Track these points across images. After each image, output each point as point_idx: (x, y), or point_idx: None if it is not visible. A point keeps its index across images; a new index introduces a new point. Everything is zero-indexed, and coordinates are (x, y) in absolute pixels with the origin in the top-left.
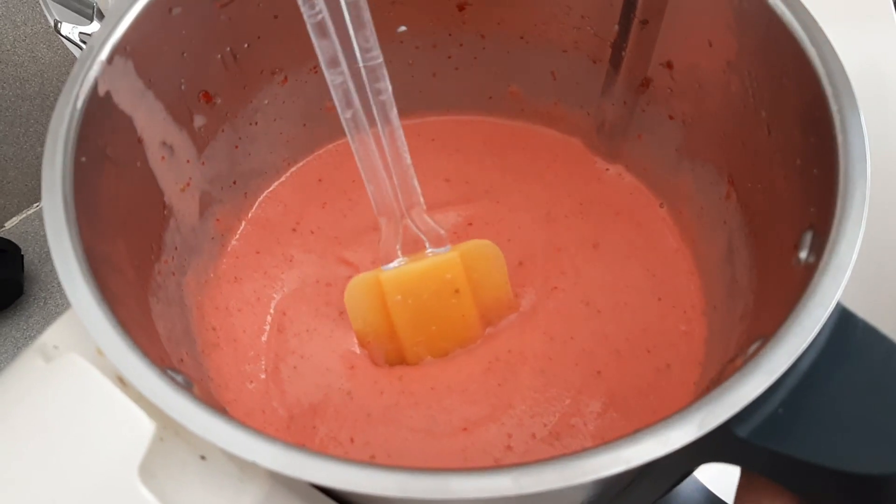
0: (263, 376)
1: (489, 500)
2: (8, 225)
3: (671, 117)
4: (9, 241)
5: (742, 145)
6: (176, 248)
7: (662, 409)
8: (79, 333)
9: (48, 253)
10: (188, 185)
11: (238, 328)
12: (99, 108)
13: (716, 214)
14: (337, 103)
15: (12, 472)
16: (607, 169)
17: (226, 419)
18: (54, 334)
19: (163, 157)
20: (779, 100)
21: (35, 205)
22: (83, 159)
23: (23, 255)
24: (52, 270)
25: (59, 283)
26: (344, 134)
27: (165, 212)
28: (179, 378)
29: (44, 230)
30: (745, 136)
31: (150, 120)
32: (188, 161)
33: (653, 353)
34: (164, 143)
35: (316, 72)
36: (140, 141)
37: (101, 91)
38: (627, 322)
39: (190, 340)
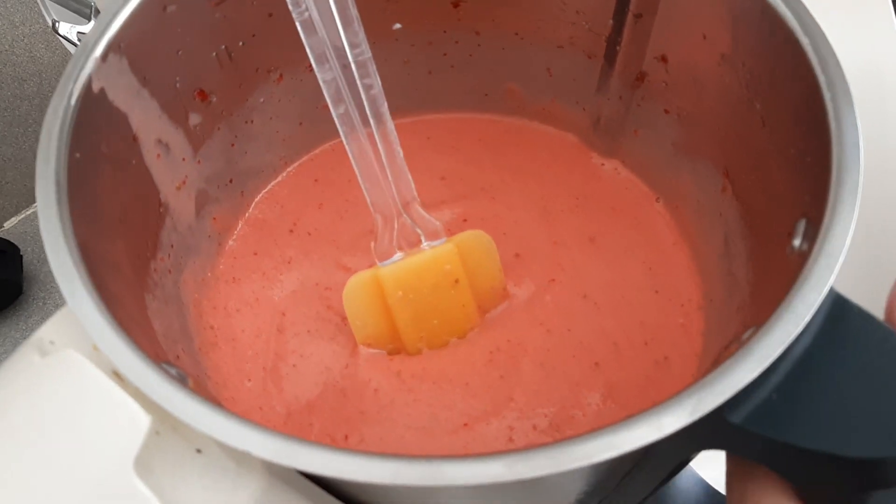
0: (262, 375)
1: (486, 487)
2: (7, 225)
3: (667, 111)
4: (8, 242)
5: (737, 137)
6: (172, 247)
7: (662, 400)
8: (75, 329)
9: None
10: (184, 183)
11: (237, 328)
12: (93, 105)
13: (712, 208)
14: (328, 99)
15: (8, 466)
16: (603, 164)
17: (218, 409)
18: (50, 330)
19: (158, 155)
20: (773, 91)
21: (34, 205)
22: (78, 155)
23: (22, 256)
24: (51, 270)
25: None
26: (337, 133)
27: (161, 210)
28: (173, 371)
29: None
30: (740, 128)
31: (145, 118)
32: (184, 159)
33: (650, 345)
34: (159, 141)
35: (311, 70)
36: (135, 139)
37: (96, 88)
38: (625, 315)
39: (187, 338)
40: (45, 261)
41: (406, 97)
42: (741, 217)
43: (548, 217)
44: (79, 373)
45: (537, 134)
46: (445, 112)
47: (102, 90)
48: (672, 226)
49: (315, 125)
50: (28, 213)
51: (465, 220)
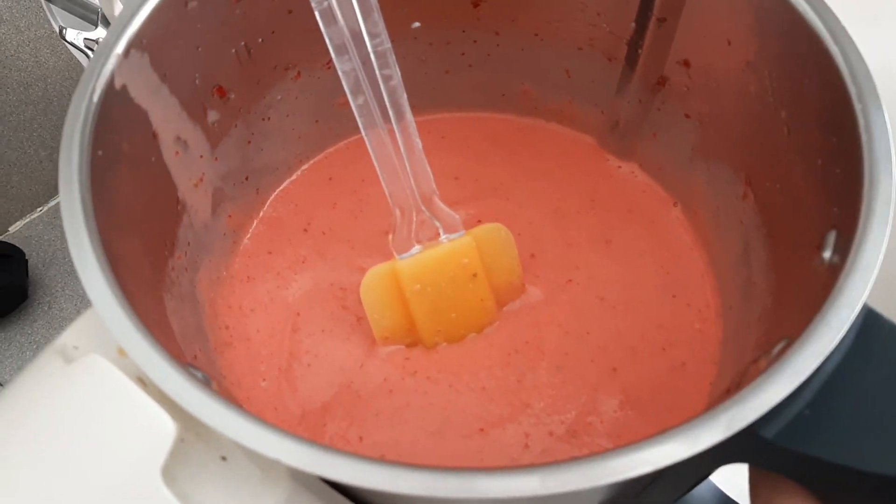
0: (276, 375)
1: (509, 500)
2: (12, 229)
3: (687, 116)
4: (13, 246)
5: (760, 145)
6: (189, 245)
7: (678, 408)
8: (99, 334)
9: (52, 257)
10: (201, 180)
11: (251, 327)
12: (115, 103)
13: (732, 215)
14: (347, 90)
15: (34, 473)
16: (620, 167)
17: (249, 416)
18: (74, 335)
19: (177, 153)
20: (799, 99)
21: (39, 209)
22: (100, 153)
23: (27, 260)
24: (57, 275)
25: (63, 288)
26: (354, 131)
27: (179, 207)
28: (199, 374)
29: (48, 234)
30: (764, 135)
31: (164, 114)
32: (201, 156)
33: (668, 350)
34: (178, 138)
35: (329, 68)
36: (155, 136)
37: (118, 85)
38: (642, 319)
39: (203, 338)
40: (50, 265)
41: (422, 96)
42: (762, 225)
43: (562, 218)
44: (104, 379)
45: (553, 135)
46: (461, 111)
47: (124, 87)
48: (689, 231)
49: (330, 123)
50: (33, 217)
51: (479, 221)
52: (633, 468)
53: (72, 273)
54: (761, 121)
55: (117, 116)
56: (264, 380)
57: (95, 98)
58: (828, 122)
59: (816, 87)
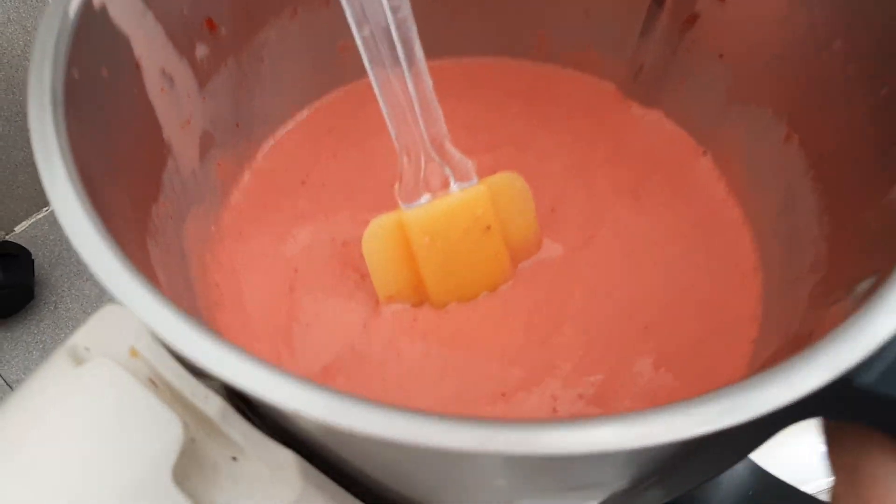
0: (273, 335)
1: (568, 457)
2: (18, 229)
3: (721, 56)
4: (19, 246)
5: (808, 82)
6: (174, 191)
7: (718, 368)
8: (110, 335)
9: (58, 257)
10: (188, 122)
11: (245, 286)
12: (93, 22)
13: (772, 161)
14: (351, 20)
15: (46, 475)
16: (644, 115)
17: (273, 367)
18: (85, 335)
19: (162, 89)
20: (856, 25)
21: (45, 209)
22: (76, 75)
23: (33, 260)
24: (63, 275)
25: (69, 288)
26: (354, 76)
27: (164, 150)
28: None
29: (54, 234)
30: (813, 70)
31: (149, 44)
32: (189, 95)
33: (703, 308)
34: (163, 72)
35: (328, 6)
36: (138, 66)
37: (97, 4)
38: (673, 275)
39: (192, 296)
40: (56, 265)
41: (429, 40)
42: (810, 167)
43: (583, 170)
44: (114, 381)
45: (571, 81)
46: (470, 56)
47: (104, 7)
48: (721, 181)
49: (329, 68)
50: (39, 217)
51: (493, 173)
52: (726, 416)
53: (78, 273)
54: (809, 55)
55: (96, 38)
56: (259, 341)
57: (71, 14)
58: (892, 46)
59: (877, 9)
